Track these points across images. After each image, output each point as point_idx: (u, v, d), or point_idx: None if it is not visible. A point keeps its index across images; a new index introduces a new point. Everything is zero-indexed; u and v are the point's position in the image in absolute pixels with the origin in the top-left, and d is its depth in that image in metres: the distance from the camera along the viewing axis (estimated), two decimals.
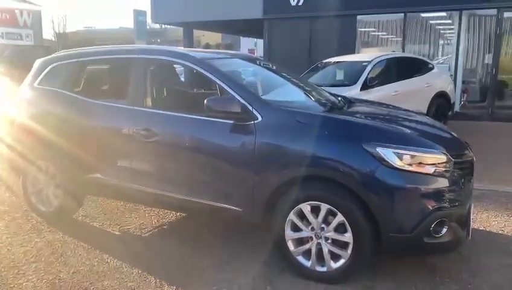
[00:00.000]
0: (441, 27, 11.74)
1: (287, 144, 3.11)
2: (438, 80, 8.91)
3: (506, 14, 10.33)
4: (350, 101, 4.17)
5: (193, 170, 3.52)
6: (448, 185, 2.90)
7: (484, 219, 4.29)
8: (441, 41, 11.82)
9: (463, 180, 3.09)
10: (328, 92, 4.43)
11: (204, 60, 3.64)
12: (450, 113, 9.15)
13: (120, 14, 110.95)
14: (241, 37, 35.38)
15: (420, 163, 2.87)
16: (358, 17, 11.77)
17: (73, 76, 4.29)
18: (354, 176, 2.89)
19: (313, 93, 4.17)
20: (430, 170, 2.87)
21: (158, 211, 4.57)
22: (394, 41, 11.85)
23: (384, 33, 12.12)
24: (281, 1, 12.29)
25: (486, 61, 10.99)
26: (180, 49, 3.83)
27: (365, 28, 12.22)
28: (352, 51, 11.33)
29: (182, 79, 6.40)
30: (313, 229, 3.09)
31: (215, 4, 13.19)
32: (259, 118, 3.22)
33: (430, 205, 2.85)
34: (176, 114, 3.60)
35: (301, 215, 3.12)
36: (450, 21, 11.18)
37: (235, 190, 3.33)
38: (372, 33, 12.35)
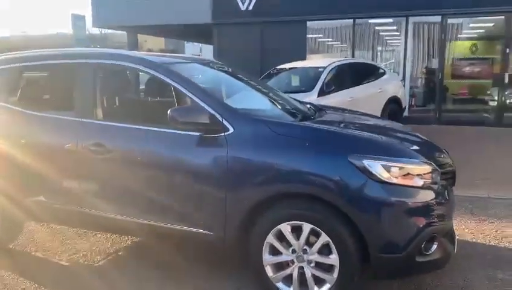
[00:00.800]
0: (388, 33, 11.97)
1: (263, 158, 2.79)
2: (389, 85, 8.99)
3: (450, 21, 10.68)
4: (319, 109, 3.92)
5: (154, 190, 3.11)
6: (436, 197, 2.71)
7: (454, 227, 4.19)
8: (389, 48, 12.05)
9: (447, 191, 2.92)
10: (295, 99, 4.17)
11: (164, 65, 3.24)
12: (402, 117, 9.26)
13: (57, 21, 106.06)
14: (185, 43, 34.74)
15: (409, 175, 2.65)
16: (308, 23, 11.72)
17: (7, 84, 3.72)
18: (339, 192, 2.62)
19: (280, 100, 3.88)
20: (419, 182, 2.66)
21: (112, 234, 4.08)
22: (344, 48, 11.92)
23: (334, 39, 12.17)
24: (230, 6, 12.01)
25: (432, 67, 11.30)
26: (136, 52, 3.40)
27: (315, 34, 12.22)
28: (303, 57, 11.25)
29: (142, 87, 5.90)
30: (294, 251, 2.79)
31: (162, 8, 12.66)
32: (231, 130, 2.88)
33: (422, 220, 2.64)
34: (133, 126, 3.17)
35: (281, 237, 2.81)
36: (397, 27, 11.41)
37: (204, 212, 2.97)
38: (322, 39, 12.37)
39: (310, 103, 4.13)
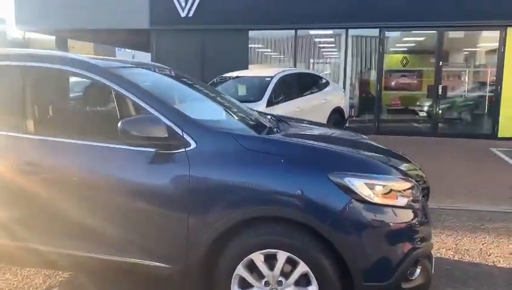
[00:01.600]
0: (329, 45, 12.09)
1: (231, 177, 2.44)
2: (333, 96, 9.00)
3: (387, 34, 10.99)
4: (279, 120, 3.64)
5: (99, 217, 2.63)
6: (419, 217, 2.51)
7: None
8: (329, 59, 12.16)
9: (425, 208, 2.74)
10: (252, 109, 3.86)
11: (111, 70, 2.78)
12: (344, 128, 9.29)
13: None
14: (116, 49, 33.29)
15: (392, 194, 2.42)
16: (250, 32, 11.53)
17: None
18: (320, 215, 2.33)
19: (238, 110, 3.54)
20: (403, 201, 2.45)
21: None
22: (285, 58, 11.85)
23: (276, 50, 12.08)
24: (170, 11, 11.51)
25: (370, 78, 11.56)
26: (76, 55, 2.90)
27: (257, 43, 12.06)
28: (245, 66, 11.02)
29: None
30: (267, 284, 2.45)
31: (97, 11, 11.85)
32: (193, 145, 2.50)
33: (408, 244, 2.42)
34: (74, 142, 2.68)
35: (252, 268, 2.46)
36: (337, 39, 11.55)
37: (161, 241, 2.55)
38: (264, 49, 12.24)
39: (269, 114, 3.83)
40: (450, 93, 11.19)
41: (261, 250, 2.41)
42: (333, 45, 11.84)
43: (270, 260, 2.43)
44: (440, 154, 8.61)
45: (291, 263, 2.40)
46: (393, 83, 11.71)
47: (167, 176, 2.51)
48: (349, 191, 2.33)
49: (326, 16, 10.75)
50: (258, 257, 2.42)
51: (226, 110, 3.40)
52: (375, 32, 10.94)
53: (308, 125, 3.70)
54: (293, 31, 11.37)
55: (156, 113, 2.54)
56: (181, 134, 2.52)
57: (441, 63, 10.69)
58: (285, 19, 10.94)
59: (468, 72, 11.96)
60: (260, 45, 12.17)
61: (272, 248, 2.40)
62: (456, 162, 7.97)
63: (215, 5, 11.29)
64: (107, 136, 2.62)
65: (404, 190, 2.46)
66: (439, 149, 9.26)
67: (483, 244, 4.12)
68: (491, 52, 10.92)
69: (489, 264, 3.69)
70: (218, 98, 3.69)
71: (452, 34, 11.07)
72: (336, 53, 11.68)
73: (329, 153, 2.56)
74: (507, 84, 10.26)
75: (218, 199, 2.43)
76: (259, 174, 2.41)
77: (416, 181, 2.71)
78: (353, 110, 11.62)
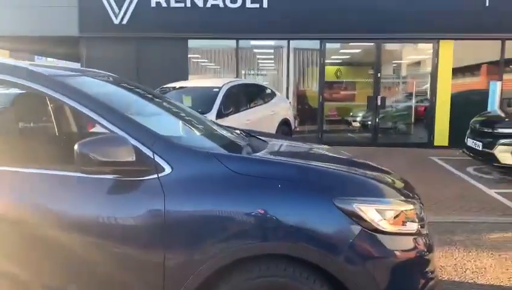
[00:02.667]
0: (271, 56, 11.91)
1: (218, 209, 2.00)
2: (280, 108, 8.79)
3: (328, 46, 11.04)
4: (250, 135, 3.25)
5: (49, 263, 2.07)
6: (428, 242, 2.23)
7: None
8: (272, 71, 11.97)
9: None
10: (218, 124, 3.44)
11: (57, 79, 2.24)
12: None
13: None
14: (35, 57, 30.95)
15: (403, 220, 2.13)
16: (191, 42, 11.05)
17: None
18: (327, 250, 1.98)
19: (205, 125, 3.11)
20: (414, 227, 2.16)
21: None
22: (228, 70, 11.49)
23: (218, 60, 11.67)
24: (101, 18, 10.69)
25: (313, 89, 11.54)
26: (11, 60, 2.32)
27: (198, 53, 11.59)
28: (185, 77, 10.52)
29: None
30: None
31: (19, 16, 10.71)
32: (168, 169, 2.04)
33: (423, 276, 2.14)
34: (15, 170, 2.10)
35: None
36: (279, 51, 11.41)
37: None
38: (205, 59, 11.79)
39: (236, 128, 3.43)
40: (388, 104, 11.48)
41: None
42: (275, 57, 11.69)
43: None
44: (384, 164, 8.67)
45: None
46: (334, 94, 11.80)
47: (136, 210, 2.02)
48: (359, 219, 2.00)
49: (267, 26, 10.58)
50: None
51: (192, 125, 2.95)
52: (316, 44, 10.94)
53: (283, 140, 3.34)
54: (235, 42, 11.06)
55: (121, 132, 2.05)
56: (152, 156, 2.05)
57: (379, 74, 10.92)
58: (226, 28, 10.61)
59: (405, 83, 12.38)
60: (201, 56, 11.72)
61: None
62: (401, 172, 8.01)
63: (152, 11, 10.69)
64: (52, 161, 2.08)
65: (413, 215, 2.17)
66: (382, 159, 9.33)
67: (455, 259, 4.00)
68: (426, 63, 11.36)
69: (469, 281, 3.56)
70: (178, 111, 3.23)
71: (389, 46, 11.40)
72: (278, 64, 11.54)
73: (332, 176, 2.21)
74: (441, 95, 10.70)
75: (202, 237, 1.99)
76: (252, 203, 2.00)
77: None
78: (297, 121, 11.52)
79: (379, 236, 2.02)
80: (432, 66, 10.78)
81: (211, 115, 6.41)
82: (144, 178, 2.03)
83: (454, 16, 10.13)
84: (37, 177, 2.10)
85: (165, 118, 2.92)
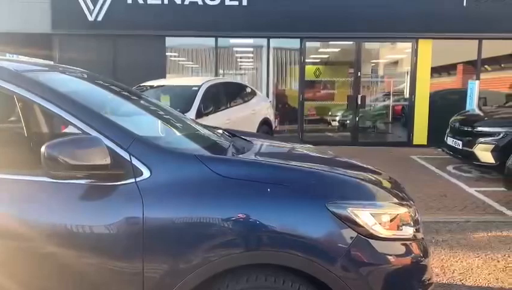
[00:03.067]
0: (251, 55, 11.75)
1: (202, 214, 1.85)
2: (260, 107, 8.66)
3: (308, 44, 10.96)
4: (233, 135, 3.09)
5: (17, 277, 1.87)
6: (423, 248, 2.12)
7: None
8: (252, 70, 11.81)
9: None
10: (198, 122, 3.27)
11: (23, 74, 2.03)
12: None
13: None
14: (7, 55, 29.97)
15: (398, 224, 2.01)
16: (169, 40, 10.79)
17: None
18: (320, 258, 1.84)
19: (187, 124, 2.94)
20: (409, 231, 2.04)
21: None
22: (207, 68, 11.28)
23: (197, 59, 11.44)
24: (75, 15, 10.32)
25: (293, 88, 11.44)
26: None
27: (176, 52, 11.34)
28: (162, 75, 10.25)
29: None
30: None
31: None
32: (146, 173, 1.88)
33: (421, 285, 2.02)
34: None
35: None
36: (259, 50, 11.27)
37: None
38: (183, 58, 11.55)
39: (218, 128, 3.26)
40: (368, 103, 11.48)
41: None
42: (255, 56, 11.54)
43: None
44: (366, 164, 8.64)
45: None
46: (314, 94, 11.72)
47: (111, 217, 1.85)
48: (353, 224, 1.87)
49: (247, 24, 10.42)
50: None
51: (173, 125, 2.77)
52: (296, 42, 10.84)
53: (268, 140, 3.19)
54: (214, 40, 10.86)
55: (94, 132, 1.87)
56: (129, 159, 1.88)
57: (359, 73, 10.90)
58: (205, 26, 10.40)
59: (384, 82, 12.40)
60: (179, 54, 11.47)
61: None
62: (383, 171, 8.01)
63: (128, 8, 10.38)
64: (20, 165, 1.89)
65: (408, 219, 2.06)
66: (363, 158, 9.30)
67: (442, 260, 3.93)
68: (405, 63, 11.40)
69: (458, 283, 3.49)
70: (157, 109, 3.05)
71: (369, 46, 11.40)
72: (258, 64, 11.39)
73: (325, 178, 2.07)
74: (419, 94, 10.75)
75: (185, 246, 1.83)
76: (239, 209, 1.85)
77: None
78: (277, 120, 11.41)
79: (374, 242, 1.89)
80: (411, 65, 10.82)
81: (190, 115, 6.22)
82: (120, 183, 1.86)
83: (432, 16, 10.19)
84: (1, 182, 1.90)
85: (143, 117, 2.74)
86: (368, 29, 10.37)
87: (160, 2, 10.37)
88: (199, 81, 7.15)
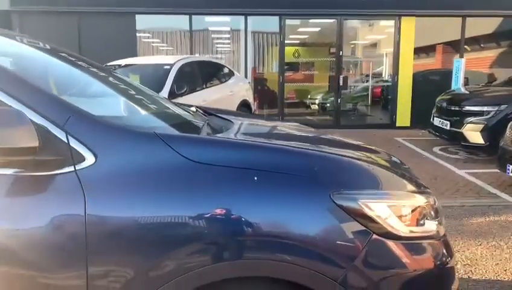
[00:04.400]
0: (227, 36, 11.14)
1: (164, 212, 1.37)
2: (239, 88, 8.13)
3: (288, 22, 10.43)
4: (209, 113, 2.60)
5: None
6: (448, 247, 1.70)
7: None
8: (228, 51, 11.20)
9: None
10: (170, 100, 2.77)
11: None
12: None
13: None
14: None
15: (419, 218, 1.58)
16: (140, 19, 10.09)
17: None
18: (324, 268, 1.39)
19: (153, 102, 2.42)
20: (432, 227, 1.61)
21: None
22: (182, 50, 10.63)
23: (170, 41, 10.77)
24: None
25: (273, 70, 10.93)
26: None
27: (147, 32, 10.64)
28: (133, 54, 9.59)
29: None
30: None
31: None
32: (90, 159, 1.39)
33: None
34: None
35: None
36: (236, 28, 10.67)
37: None
38: (155, 39, 10.87)
39: (192, 105, 2.76)
40: (350, 84, 11.09)
41: None
42: (231, 36, 10.94)
43: None
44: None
45: None
46: (294, 75, 11.22)
47: (43, 218, 1.36)
48: (367, 220, 1.42)
49: (223, 1, 9.83)
50: None
51: (138, 103, 2.25)
52: (275, 21, 10.30)
53: (251, 118, 2.71)
54: (188, 18, 10.21)
55: (17, 104, 1.36)
56: (66, 140, 1.38)
57: (341, 52, 10.47)
58: (178, 3, 9.74)
59: (366, 62, 12.00)
60: (152, 35, 10.78)
61: None
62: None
63: None
64: None
65: (429, 209, 1.63)
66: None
67: None
68: (387, 42, 11.00)
69: (463, 276, 3.12)
70: (117, 83, 2.51)
71: (351, 23, 10.96)
72: (235, 45, 10.80)
73: (327, 162, 1.59)
74: (403, 74, 10.41)
75: (142, 256, 1.35)
76: (215, 205, 1.38)
77: None
78: (256, 103, 10.92)
79: (393, 243, 1.45)
80: (393, 44, 10.44)
81: (162, 95, 5.70)
82: (54, 173, 1.37)
83: None
84: None
85: (106, 95, 2.18)
86: (350, 6, 9.92)
87: None
88: (171, 59, 6.58)
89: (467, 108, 6.99)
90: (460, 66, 8.80)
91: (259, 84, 11.10)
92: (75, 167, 1.37)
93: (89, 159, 1.38)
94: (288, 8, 9.97)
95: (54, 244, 1.35)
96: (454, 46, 10.72)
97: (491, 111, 6.69)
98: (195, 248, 1.36)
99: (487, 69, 11.14)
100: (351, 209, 1.41)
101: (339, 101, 10.66)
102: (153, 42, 10.90)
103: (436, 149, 7.88)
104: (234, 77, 8.17)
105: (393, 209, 1.48)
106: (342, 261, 1.39)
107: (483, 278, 3.10)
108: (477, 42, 11.32)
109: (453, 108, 7.24)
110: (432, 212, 1.63)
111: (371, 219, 1.43)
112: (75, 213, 1.34)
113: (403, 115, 10.48)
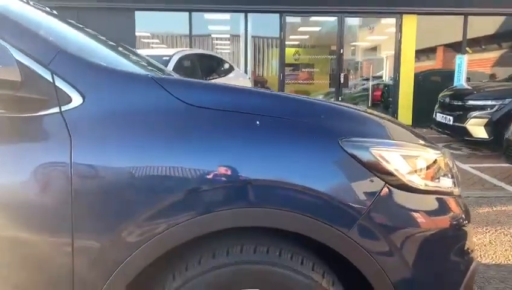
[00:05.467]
0: (228, 36, 11.02)
1: (161, 162, 1.25)
2: (239, 83, 8.02)
3: (288, 20, 10.35)
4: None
5: None
6: (464, 208, 1.57)
7: None
8: (229, 47, 11.10)
9: None
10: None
11: None
12: None
13: None
14: None
15: (434, 174, 1.45)
16: (138, 16, 10.01)
17: None
18: (329, 217, 1.27)
19: (138, 56, 2.28)
20: (448, 183, 1.49)
21: None
22: (180, 44, 10.54)
23: (169, 36, 10.68)
24: None
25: (273, 68, 10.84)
26: None
27: (147, 31, 10.55)
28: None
29: None
30: None
31: None
32: (77, 100, 1.29)
33: (465, 254, 1.48)
34: None
35: None
36: (237, 28, 10.58)
37: None
38: (156, 40, 10.77)
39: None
40: (351, 84, 10.99)
41: None
42: (231, 36, 10.85)
43: None
44: None
45: None
46: (295, 74, 11.10)
47: (24, 164, 1.24)
48: (378, 170, 1.31)
49: None
50: None
51: (124, 55, 2.11)
52: (276, 18, 10.21)
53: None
54: (187, 15, 10.14)
55: None
56: (51, 80, 1.26)
57: (342, 50, 10.38)
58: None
59: (367, 61, 11.91)
60: (149, 33, 10.69)
61: (243, 289, 1.27)
62: None
63: None
64: None
65: (444, 164, 1.51)
66: None
67: None
68: (389, 41, 10.91)
69: None
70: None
71: (352, 21, 10.88)
72: (235, 45, 10.68)
73: (330, 109, 1.47)
74: (404, 72, 10.32)
75: (135, 205, 1.23)
76: (214, 151, 1.26)
77: None
78: None
79: (406, 195, 1.34)
80: (395, 43, 10.36)
81: None
82: (37, 114, 1.25)
83: None
84: None
85: (84, 40, 2.03)
86: (351, 4, 9.85)
87: None
88: (170, 51, 6.49)
89: (471, 102, 6.89)
90: (462, 62, 8.71)
91: (259, 83, 11.00)
92: (60, 108, 1.25)
93: (76, 99, 1.26)
94: (288, 5, 9.90)
95: (35, 196, 1.23)
96: (456, 47, 10.63)
97: (495, 105, 6.58)
98: (191, 195, 1.23)
99: (489, 70, 11.06)
100: (361, 157, 1.29)
101: (340, 100, 10.55)
102: (152, 42, 10.81)
103: (439, 145, 7.75)
104: (234, 72, 8.08)
105: (407, 160, 1.36)
106: (352, 212, 1.27)
107: (494, 262, 2.98)
108: (479, 43, 11.25)
109: (456, 103, 7.14)
110: (447, 170, 1.51)
111: (383, 168, 1.30)
112: (59, 160, 1.22)
113: (405, 113, 10.38)
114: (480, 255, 3.07)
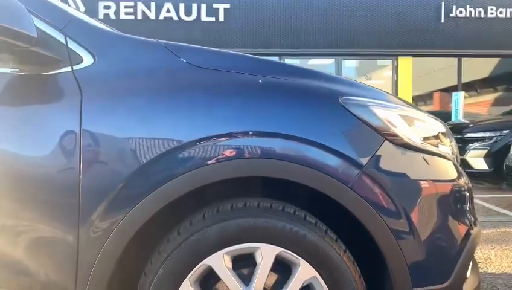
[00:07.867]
0: None
1: (172, 120, 1.31)
2: None
3: (287, 62, 10.69)
4: None
5: None
6: (463, 175, 1.58)
7: None
8: None
9: None
10: None
11: None
12: None
13: None
14: None
15: (431, 140, 1.49)
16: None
17: None
18: (333, 173, 1.29)
19: None
20: (447, 151, 1.52)
21: None
22: None
23: None
24: None
25: None
26: None
27: None
28: None
29: None
30: None
31: None
32: (88, 60, 1.34)
33: (465, 220, 1.51)
34: None
35: (208, 284, 1.29)
36: None
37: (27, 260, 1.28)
38: None
39: None
40: None
41: (227, 247, 1.26)
42: None
43: (243, 266, 1.29)
44: None
45: (283, 266, 1.29)
46: None
47: (35, 119, 1.29)
48: (378, 127, 1.35)
49: (224, 40, 10.13)
50: (220, 262, 1.26)
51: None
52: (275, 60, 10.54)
53: None
54: None
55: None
56: (64, 42, 1.34)
57: None
58: (180, 42, 9.98)
59: None
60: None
61: (246, 242, 1.27)
62: None
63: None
64: None
65: (441, 135, 1.55)
66: None
67: None
68: (386, 81, 11.20)
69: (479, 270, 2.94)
70: None
71: (349, 63, 11.22)
72: None
73: (333, 78, 1.53)
74: None
75: (141, 156, 1.26)
76: (223, 109, 1.32)
77: None
78: None
79: (406, 151, 1.37)
80: (392, 84, 10.63)
81: None
82: (50, 73, 1.31)
83: (411, 33, 10.13)
84: None
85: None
86: (348, 46, 10.21)
87: (133, 18, 10.02)
88: None
89: (469, 135, 6.97)
90: (459, 99, 8.90)
91: None
92: (72, 68, 1.32)
93: (87, 59, 1.33)
94: (286, 48, 10.25)
95: (44, 152, 1.26)
96: (450, 91, 10.87)
97: (493, 136, 6.66)
98: (197, 146, 1.27)
99: (485, 111, 11.26)
100: (361, 114, 1.34)
101: None
102: None
103: None
104: None
105: (405, 119, 1.40)
106: (352, 165, 1.29)
107: (500, 272, 2.93)
108: (473, 87, 11.51)
109: (454, 136, 7.21)
110: (446, 140, 1.55)
111: (383, 124, 1.34)
112: (70, 120, 1.26)
113: None
114: (487, 267, 3.02)
